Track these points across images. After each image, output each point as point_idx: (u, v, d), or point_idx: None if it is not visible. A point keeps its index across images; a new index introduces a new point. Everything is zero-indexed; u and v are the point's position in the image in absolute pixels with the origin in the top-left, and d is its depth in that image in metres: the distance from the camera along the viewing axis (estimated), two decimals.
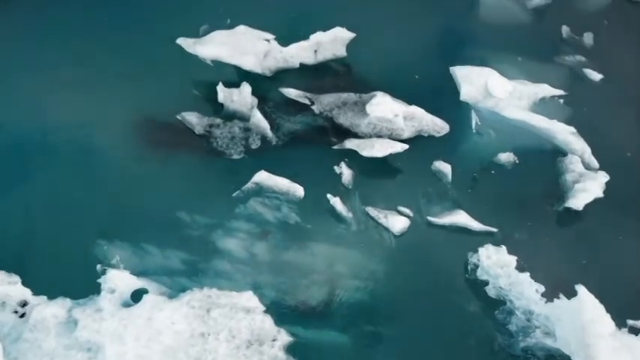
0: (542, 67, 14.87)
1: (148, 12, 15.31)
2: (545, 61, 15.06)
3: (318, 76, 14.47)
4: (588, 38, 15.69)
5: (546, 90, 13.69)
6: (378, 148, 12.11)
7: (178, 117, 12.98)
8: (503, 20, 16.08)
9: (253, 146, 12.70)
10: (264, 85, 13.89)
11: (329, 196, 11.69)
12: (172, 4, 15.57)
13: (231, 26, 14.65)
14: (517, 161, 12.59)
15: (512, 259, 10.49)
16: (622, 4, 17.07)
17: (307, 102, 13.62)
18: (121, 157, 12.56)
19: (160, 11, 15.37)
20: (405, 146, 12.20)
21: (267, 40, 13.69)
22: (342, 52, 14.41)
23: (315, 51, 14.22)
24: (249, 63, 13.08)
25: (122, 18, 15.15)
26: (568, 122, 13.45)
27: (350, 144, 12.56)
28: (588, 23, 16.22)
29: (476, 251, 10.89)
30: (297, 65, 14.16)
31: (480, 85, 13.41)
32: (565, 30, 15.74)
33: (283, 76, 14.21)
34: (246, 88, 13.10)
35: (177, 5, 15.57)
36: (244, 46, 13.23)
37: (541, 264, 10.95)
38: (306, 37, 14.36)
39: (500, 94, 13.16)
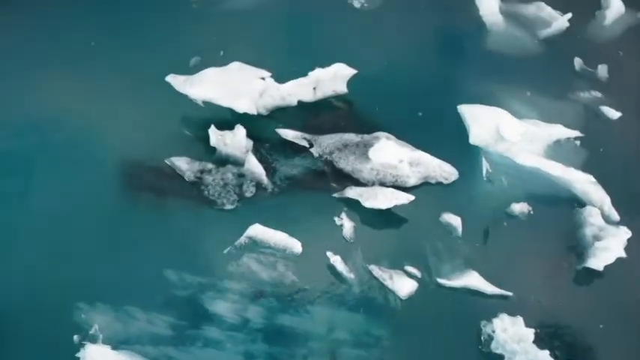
0: (555, 103, 14.00)
1: (136, 41, 14.52)
2: (557, 97, 14.18)
3: (317, 114, 13.57)
4: (603, 71, 14.84)
5: (561, 131, 12.80)
6: (381, 199, 11.21)
7: (167, 162, 12.13)
8: (512, 51, 15.23)
9: (247, 194, 11.79)
10: (260, 125, 12.98)
11: (329, 253, 10.77)
12: (162, 33, 14.77)
13: (224, 60, 13.82)
14: (531, 212, 11.70)
15: (530, 333, 9.58)
16: (637, 33, 16.26)
17: (306, 144, 12.76)
18: (103, 206, 11.65)
19: (148, 41, 14.57)
20: (411, 197, 11.29)
21: (263, 78, 12.80)
22: (342, 88, 13.52)
23: (314, 88, 13.33)
24: (244, 105, 12.16)
25: (109, 47, 14.38)
26: (585, 167, 12.59)
27: (351, 192, 11.66)
28: (602, 54, 15.35)
29: (490, 320, 9.96)
30: (295, 103, 13.28)
31: (490, 127, 12.51)
32: (578, 62, 14.88)
33: (280, 114, 13.31)
34: (240, 130, 12.20)
35: (167, 34, 14.77)
36: (238, 86, 12.31)
37: (560, 333, 10.08)
38: (304, 73, 13.49)
39: (512, 137, 12.27)
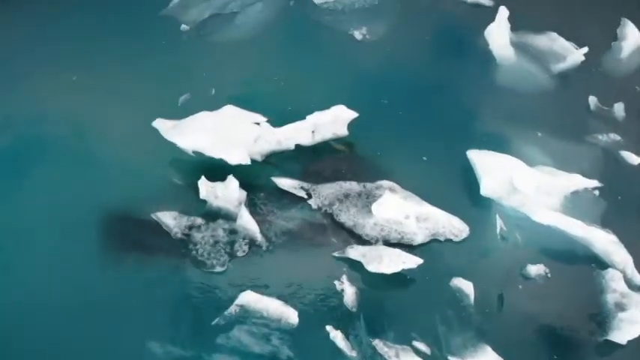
0: (570, 147, 13.02)
1: (121, 76, 13.52)
2: (573, 139, 13.21)
3: (316, 158, 12.58)
4: (619, 110, 13.89)
5: (579, 182, 11.85)
6: (386, 263, 10.25)
7: (153, 216, 11.15)
8: (524, 87, 14.26)
9: (239, 253, 10.80)
10: (255, 171, 11.98)
11: (328, 328, 9.77)
12: (149, 68, 13.80)
13: (215, 99, 12.94)
14: (548, 275, 10.74)
15: None
16: None
17: (303, 194, 11.79)
18: (79, 264, 10.63)
19: (134, 76, 13.59)
20: (419, 261, 10.33)
21: (258, 124, 11.85)
22: (343, 131, 12.54)
23: (313, 131, 12.38)
24: (237, 157, 11.15)
25: (91, 82, 13.39)
26: (604, 220, 11.62)
27: (353, 253, 10.70)
28: (619, 90, 14.40)
29: None
30: (292, 147, 12.28)
31: (503, 178, 11.55)
32: (592, 101, 13.92)
33: (276, 159, 12.34)
34: (232, 182, 11.21)
35: (155, 69, 13.80)
36: (231, 134, 11.32)
37: None
38: (301, 113, 12.54)
39: (527, 189, 11.32)
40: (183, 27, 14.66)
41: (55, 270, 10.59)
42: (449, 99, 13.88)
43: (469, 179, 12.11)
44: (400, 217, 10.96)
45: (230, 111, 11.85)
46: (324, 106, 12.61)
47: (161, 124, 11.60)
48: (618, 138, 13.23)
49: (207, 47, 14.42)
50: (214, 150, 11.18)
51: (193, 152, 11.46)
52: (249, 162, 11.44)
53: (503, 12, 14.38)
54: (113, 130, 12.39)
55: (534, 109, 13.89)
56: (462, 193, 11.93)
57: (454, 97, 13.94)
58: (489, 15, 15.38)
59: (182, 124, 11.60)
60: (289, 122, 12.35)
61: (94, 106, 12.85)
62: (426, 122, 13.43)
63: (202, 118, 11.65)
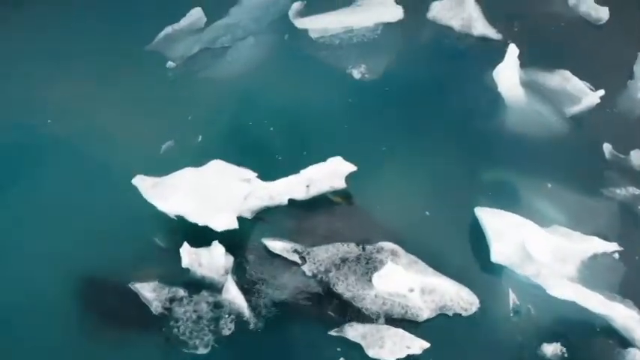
0: (584, 202, 11.98)
1: (100, 121, 12.49)
2: (587, 192, 12.16)
3: (310, 213, 11.54)
4: (636, 158, 12.91)
5: (596, 245, 10.89)
6: (389, 348, 9.22)
7: (132, 287, 10.11)
8: (534, 132, 13.17)
9: (225, 332, 9.71)
10: (243, 231, 10.93)
11: None
12: (131, 111, 12.75)
13: (201, 149, 11.95)
14: (566, 355, 9.77)
15: None
16: None
17: (297, 259, 10.77)
18: (53, 340, 9.63)
19: (116, 121, 12.53)
20: (425, 345, 9.31)
21: (248, 180, 10.83)
22: (340, 184, 11.55)
23: (308, 186, 11.39)
24: (224, 222, 10.12)
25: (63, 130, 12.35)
26: (625, 288, 10.61)
27: (352, 332, 9.66)
28: (635, 136, 13.46)
29: None
30: (285, 202, 11.28)
31: (515, 242, 10.54)
32: (607, 148, 12.89)
33: (268, 215, 11.36)
34: (217, 249, 10.15)
35: (137, 113, 12.74)
36: (218, 196, 10.24)
37: None
38: (295, 165, 11.54)
39: (541, 257, 10.33)
40: (170, 64, 13.57)
41: (25, 338, 9.64)
42: (454, 146, 12.83)
43: (477, 240, 11.10)
44: (404, 289, 9.97)
45: (216, 166, 10.80)
46: (318, 154, 11.64)
47: (141, 182, 10.54)
48: (637, 192, 12.27)
49: (195, 86, 13.36)
50: (198, 216, 10.13)
51: (176, 217, 10.45)
52: (236, 226, 10.40)
53: (512, 50, 13.32)
54: (90, 186, 11.36)
55: (545, 156, 12.89)
56: (470, 257, 10.93)
57: (459, 143, 12.99)
58: (497, 50, 14.39)
59: (164, 183, 10.54)
60: (281, 171, 11.37)
61: (69, 157, 11.85)
62: (429, 171, 12.42)
63: (186, 175, 10.60)
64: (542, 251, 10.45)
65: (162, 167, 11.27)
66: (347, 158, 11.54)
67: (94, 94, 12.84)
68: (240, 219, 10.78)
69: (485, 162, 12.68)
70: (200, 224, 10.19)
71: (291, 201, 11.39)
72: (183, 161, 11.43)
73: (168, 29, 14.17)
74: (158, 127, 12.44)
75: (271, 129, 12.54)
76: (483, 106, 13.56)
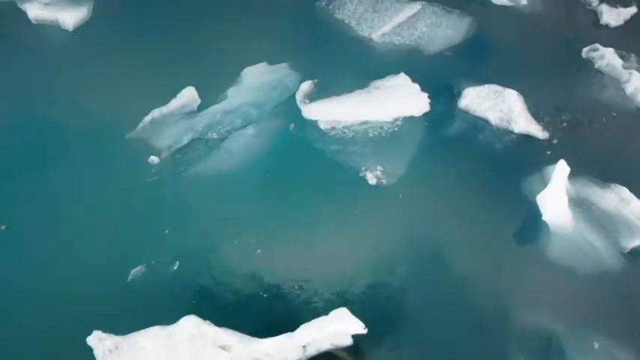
0: None
1: (64, 236, 10.45)
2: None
3: None
4: None
5: None
6: None
7: None
8: (581, 267, 10.72)
9: None
10: None
11: None
12: (100, 222, 10.67)
13: (177, 276, 9.89)
14: None
15: None
16: None
17: None
18: None
19: (79, 237, 10.45)
20: None
21: (228, 347, 8.72)
22: (346, 341, 9.34)
23: (305, 346, 9.28)
24: None
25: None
26: None
27: None
28: None
29: None
30: None
31: None
32: None
33: None
34: None
35: (106, 222, 10.66)
36: None
37: None
38: (290, 323, 9.30)
39: None
40: (152, 159, 11.42)
41: None
42: (484, 282, 10.61)
43: None
44: None
45: (188, 324, 8.69)
46: (317, 299, 9.62)
47: (97, 343, 8.43)
48: None
49: (179, 190, 11.15)
50: None
51: None
52: None
53: (562, 169, 10.96)
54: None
55: (593, 302, 10.51)
56: None
57: (490, 280, 10.67)
58: (541, 151, 12.25)
59: (125, 345, 8.44)
60: (271, 324, 9.31)
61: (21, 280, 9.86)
62: (454, 318, 10.16)
63: (152, 336, 8.50)
64: None
65: (128, 298, 9.44)
66: (354, 308, 9.40)
67: (57, 199, 10.82)
68: None
69: (520, 306, 10.30)
70: None
71: None
72: (153, 292, 9.53)
73: (155, 112, 12.12)
74: (128, 245, 10.33)
75: (262, 258, 10.29)
76: (522, 229, 11.25)
